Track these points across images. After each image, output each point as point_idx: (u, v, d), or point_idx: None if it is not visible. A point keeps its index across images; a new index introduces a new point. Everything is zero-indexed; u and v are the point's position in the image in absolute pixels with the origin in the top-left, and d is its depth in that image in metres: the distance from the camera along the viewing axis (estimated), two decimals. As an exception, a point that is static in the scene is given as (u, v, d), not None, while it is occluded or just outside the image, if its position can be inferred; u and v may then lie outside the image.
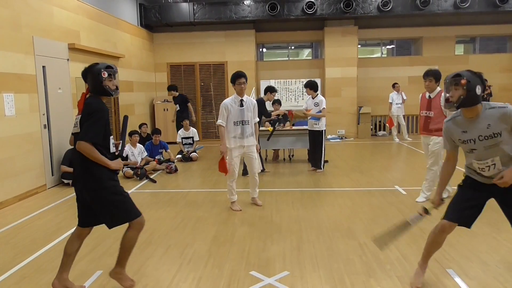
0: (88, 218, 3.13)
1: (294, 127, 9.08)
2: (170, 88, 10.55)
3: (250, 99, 5.38)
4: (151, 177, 7.53)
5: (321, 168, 7.83)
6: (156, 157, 8.43)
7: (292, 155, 9.46)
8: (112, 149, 3.07)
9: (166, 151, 8.69)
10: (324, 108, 7.64)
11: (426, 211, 3.08)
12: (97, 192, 2.98)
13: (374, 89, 12.98)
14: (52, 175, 7.09)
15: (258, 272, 3.51)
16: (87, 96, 3.06)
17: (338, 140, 12.41)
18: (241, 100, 5.26)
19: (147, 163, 8.04)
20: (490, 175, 2.76)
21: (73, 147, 3.06)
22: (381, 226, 4.61)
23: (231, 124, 5.23)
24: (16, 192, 6.13)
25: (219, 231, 4.61)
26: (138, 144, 8.01)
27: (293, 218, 5.00)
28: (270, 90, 8.05)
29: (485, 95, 12.26)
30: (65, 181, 7.10)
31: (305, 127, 8.97)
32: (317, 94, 7.78)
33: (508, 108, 2.67)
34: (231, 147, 5.28)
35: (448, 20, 12.52)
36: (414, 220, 3.13)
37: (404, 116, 11.97)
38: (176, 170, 8.15)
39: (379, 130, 13.34)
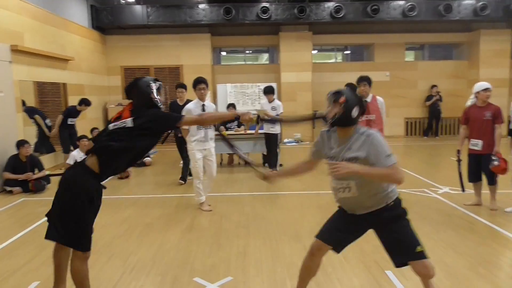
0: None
1: (248, 131, 9.10)
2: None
3: (210, 104, 5.65)
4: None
5: (276, 169, 7.90)
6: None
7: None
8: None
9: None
10: (282, 112, 7.93)
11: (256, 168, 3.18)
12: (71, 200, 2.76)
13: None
14: (-6, 181, 6.73)
15: (202, 278, 3.48)
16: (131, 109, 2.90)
17: (295, 143, 12.57)
18: (203, 105, 5.44)
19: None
20: (344, 197, 2.65)
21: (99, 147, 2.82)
22: (327, 228, 4.70)
23: (194, 128, 5.38)
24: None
25: (165, 238, 4.53)
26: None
27: (241, 223, 5.00)
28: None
29: (437, 98, 12.82)
30: (8, 188, 6.76)
31: (260, 131, 9.03)
32: (274, 98, 7.94)
33: (371, 137, 2.52)
34: (194, 149, 5.43)
35: (398, 28, 13.01)
36: (249, 162, 3.46)
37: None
38: (127, 175, 7.95)
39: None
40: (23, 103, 7.91)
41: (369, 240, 4.23)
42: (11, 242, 4.50)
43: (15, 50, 7.31)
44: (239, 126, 9.00)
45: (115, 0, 11.98)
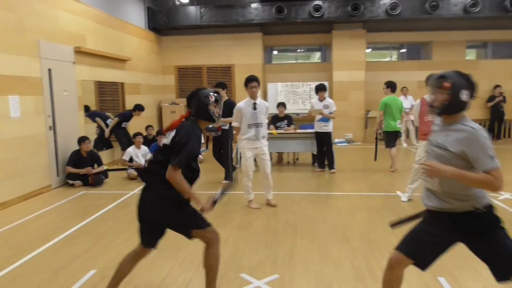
0: (151, 238, 3.02)
1: (298, 131, 9.05)
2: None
3: (263, 102, 5.56)
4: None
5: (334, 168, 8.04)
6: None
7: (297, 159, 9.44)
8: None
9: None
10: (335, 110, 7.94)
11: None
12: (168, 211, 2.87)
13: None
14: (57, 175, 7.19)
15: (248, 275, 3.51)
16: (187, 117, 2.96)
17: (345, 144, 12.34)
18: (254, 103, 5.41)
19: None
20: (429, 187, 2.41)
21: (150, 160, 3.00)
22: (376, 231, 4.59)
23: (245, 126, 5.41)
24: (21, 192, 6.23)
25: (215, 233, 4.62)
26: (142, 146, 8.07)
27: (289, 222, 4.99)
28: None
29: (500, 98, 12.10)
30: (70, 181, 7.19)
31: (309, 130, 8.98)
32: (325, 96, 7.90)
33: (474, 132, 2.23)
34: (245, 148, 5.46)
35: (459, 25, 12.36)
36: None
37: (412, 121, 11.84)
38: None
39: (387, 134, 13.20)
40: (86, 109, 8.37)
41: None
42: (72, 232, 4.79)
43: (78, 51, 7.76)
44: (289, 125, 8.98)
45: (170, 1, 12.37)
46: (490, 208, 2.31)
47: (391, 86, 8.34)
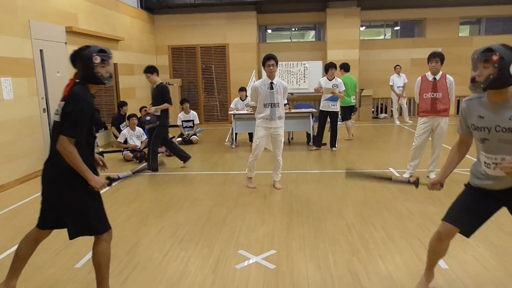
0: (51, 220, 2.78)
1: (293, 110, 9.10)
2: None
3: (280, 82, 5.43)
4: (151, 159, 7.62)
5: (335, 147, 8.24)
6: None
7: (292, 138, 9.51)
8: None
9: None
10: (344, 89, 8.11)
11: (416, 182, 2.69)
12: (72, 197, 2.62)
13: (376, 71, 12.89)
14: (53, 157, 7.20)
15: (246, 251, 3.61)
16: (76, 82, 2.65)
17: (340, 123, 12.35)
18: (271, 83, 5.32)
19: (146, 146, 8.12)
20: (493, 175, 2.37)
21: (52, 137, 2.65)
22: (370, 206, 4.71)
23: (261, 106, 5.34)
24: (17, 175, 6.26)
25: (212, 212, 4.71)
26: (137, 128, 8.08)
27: (285, 200, 5.08)
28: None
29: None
30: (66, 163, 7.21)
31: (304, 110, 9.03)
32: (335, 76, 7.96)
33: None
34: (259, 126, 5.42)
35: (452, 1, 12.31)
36: (398, 181, 2.85)
37: (405, 99, 11.91)
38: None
39: (381, 112, 13.30)
40: None
41: (413, 219, 4.23)
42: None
43: (70, 31, 7.66)
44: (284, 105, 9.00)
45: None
46: None
47: (344, 67, 9.26)
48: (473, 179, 2.52)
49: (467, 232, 2.52)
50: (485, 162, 2.39)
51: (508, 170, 2.23)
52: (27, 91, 6.50)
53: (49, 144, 2.70)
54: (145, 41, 11.90)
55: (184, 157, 7.08)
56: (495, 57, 2.18)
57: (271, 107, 5.32)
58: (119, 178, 2.87)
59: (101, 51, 2.63)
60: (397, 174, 6.11)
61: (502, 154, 2.30)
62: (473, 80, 2.29)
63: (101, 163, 2.94)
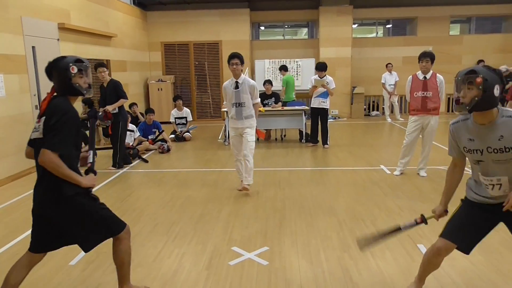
0: (46, 242, 2.62)
1: (285, 108, 9.15)
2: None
3: (247, 80, 5.22)
4: (144, 157, 7.64)
5: (327, 144, 8.29)
6: (150, 137, 8.53)
7: (284, 135, 9.58)
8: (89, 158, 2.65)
9: (159, 132, 8.74)
10: (334, 87, 8.16)
11: (423, 220, 2.69)
12: (79, 213, 2.52)
13: (368, 69, 12.99)
14: (46, 154, 7.18)
15: (240, 248, 3.66)
16: (53, 96, 2.53)
17: (332, 120, 12.47)
18: (236, 82, 5.17)
19: (140, 143, 8.14)
20: (494, 195, 2.37)
21: (36, 157, 2.49)
22: (361, 203, 4.79)
23: (229, 106, 5.27)
24: (10, 173, 6.25)
25: (206, 209, 4.75)
26: (130, 124, 8.08)
27: (278, 197, 5.15)
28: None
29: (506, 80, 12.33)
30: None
31: (296, 107, 9.08)
32: (325, 74, 8.00)
33: None
34: (230, 127, 5.37)
35: (444, 0, 12.44)
36: (407, 227, 2.79)
37: (397, 96, 12.02)
38: (168, 150, 8.26)
39: (373, 110, 13.41)
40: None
41: (403, 215, 4.31)
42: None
43: (62, 28, 7.63)
44: (276, 102, 9.05)
45: (155, -24, 12.14)
46: None
47: (283, 68, 9.82)
48: (470, 193, 2.50)
49: (466, 248, 2.50)
50: (484, 184, 2.39)
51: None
52: (19, 88, 6.47)
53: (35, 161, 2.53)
54: (137, 38, 11.87)
55: (114, 162, 6.87)
56: (479, 79, 2.19)
57: (237, 106, 5.18)
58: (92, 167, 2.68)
59: (78, 61, 2.53)
60: (388, 172, 6.20)
61: (497, 175, 2.31)
62: (457, 101, 2.30)
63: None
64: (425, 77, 5.68)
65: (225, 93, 5.32)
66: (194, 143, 9.23)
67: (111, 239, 2.68)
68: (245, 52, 12.35)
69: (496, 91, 2.20)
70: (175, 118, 9.67)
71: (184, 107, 9.81)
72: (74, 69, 2.48)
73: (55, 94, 2.53)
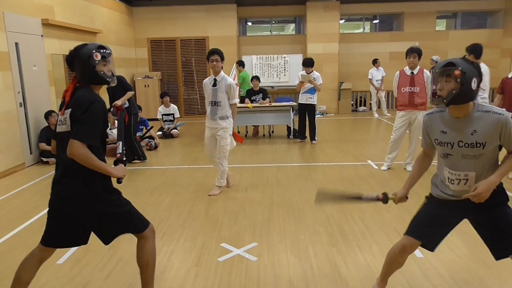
0: (65, 237, 2.52)
1: (273, 104, 9.16)
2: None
3: (225, 79, 4.92)
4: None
5: (315, 139, 8.31)
6: (137, 134, 8.45)
7: (272, 131, 9.59)
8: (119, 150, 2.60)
9: (147, 129, 8.68)
10: (321, 83, 8.18)
11: (384, 198, 2.66)
12: (98, 208, 2.40)
13: (355, 64, 13.06)
14: (31, 153, 7.09)
15: (228, 244, 3.67)
16: (76, 86, 2.43)
17: (319, 115, 12.52)
18: (215, 79, 4.93)
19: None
20: (458, 190, 2.35)
21: (60, 150, 2.41)
22: (350, 199, 4.82)
23: (207, 103, 5.07)
24: (-6, 170, 6.16)
25: (194, 206, 4.74)
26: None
27: (266, 193, 5.16)
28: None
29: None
30: (44, 159, 7.11)
31: (284, 103, 9.10)
32: (312, 70, 8.01)
33: (504, 116, 2.19)
34: (206, 126, 5.13)
35: (430, -5, 12.57)
36: (368, 199, 2.76)
37: (384, 92, 12.12)
38: (156, 147, 8.21)
39: (360, 105, 13.50)
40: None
41: (390, 210, 4.35)
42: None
43: (46, 24, 7.50)
44: (264, 98, 9.05)
45: (141, -29, 12.00)
46: (501, 186, 2.32)
47: (242, 64, 9.95)
48: (435, 190, 2.49)
49: (430, 246, 2.50)
50: (448, 178, 2.36)
51: (478, 199, 2.22)
52: (2, 85, 6.36)
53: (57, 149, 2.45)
54: (123, 34, 11.74)
55: (138, 155, 7.07)
56: (457, 72, 2.14)
57: (212, 105, 4.95)
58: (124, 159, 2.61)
59: (101, 47, 2.42)
60: (375, 167, 6.26)
61: (465, 170, 2.29)
62: (434, 94, 2.26)
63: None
64: (412, 73, 5.75)
65: (204, 90, 5.12)
66: (181, 140, 9.19)
67: (123, 240, 2.58)
68: (233, 48, 12.33)
69: (474, 84, 2.17)
70: (162, 115, 9.60)
71: (171, 104, 9.75)
72: (97, 56, 2.38)
73: (77, 84, 2.43)
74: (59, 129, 2.41)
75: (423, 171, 2.61)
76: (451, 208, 2.41)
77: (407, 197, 2.62)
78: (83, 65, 2.37)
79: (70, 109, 2.33)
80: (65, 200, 2.38)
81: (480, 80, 2.20)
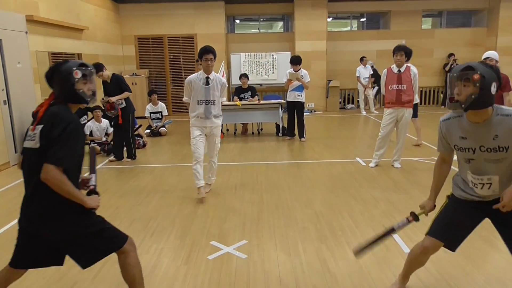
0: (35, 259, 2.38)
1: (262, 101, 9.16)
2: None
3: (218, 77, 4.86)
4: (118, 152, 7.51)
5: (304, 137, 8.34)
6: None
7: (261, 129, 9.59)
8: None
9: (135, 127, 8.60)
10: (309, 80, 8.19)
11: (414, 217, 2.63)
12: (75, 228, 2.28)
13: (343, 62, 13.13)
14: (16, 152, 6.97)
15: (218, 242, 3.66)
16: (52, 102, 2.30)
17: (308, 113, 12.57)
18: (207, 78, 4.76)
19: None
20: (482, 195, 2.33)
21: (26, 168, 2.31)
22: (337, 195, 4.86)
23: (195, 103, 4.80)
24: (-22, 169, 6.04)
25: (183, 204, 4.72)
26: (103, 119, 7.92)
27: (255, 190, 5.16)
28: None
29: (454, 66, 12.65)
30: (30, 157, 6.99)
31: (273, 101, 9.11)
32: (300, 67, 8.02)
33: None
34: (193, 126, 4.87)
35: (416, -6, 12.69)
36: (400, 226, 2.70)
37: (371, 89, 12.20)
38: (144, 145, 8.15)
39: (348, 103, 13.58)
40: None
41: (378, 206, 4.40)
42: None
43: (31, 20, 7.37)
44: (252, 96, 9.05)
45: (128, -32, 11.88)
46: None
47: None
48: (456, 190, 2.47)
49: (453, 246, 2.48)
50: (472, 182, 2.35)
51: (506, 209, 2.20)
52: (-14, 82, 6.24)
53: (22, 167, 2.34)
54: (110, 31, 11.61)
55: (130, 154, 7.09)
56: (476, 76, 2.08)
57: (206, 104, 4.76)
58: (94, 184, 2.49)
59: (82, 65, 2.32)
60: (363, 164, 6.31)
61: (488, 174, 2.26)
62: (451, 99, 2.20)
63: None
64: (399, 71, 5.81)
65: (190, 88, 4.82)
66: (170, 138, 9.14)
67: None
68: (221, 45, 12.28)
69: (493, 88, 2.11)
70: (150, 113, 9.54)
71: (159, 102, 9.68)
72: (77, 74, 2.28)
73: (53, 101, 2.31)
74: (27, 144, 2.26)
75: (444, 177, 2.58)
76: (474, 208, 2.40)
77: (435, 205, 2.61)
78: (62, 82, 2.27)
79: (42, 125, 2.20)
80: (32, 220, 2.26)
81: (499, 84, 2.15)
